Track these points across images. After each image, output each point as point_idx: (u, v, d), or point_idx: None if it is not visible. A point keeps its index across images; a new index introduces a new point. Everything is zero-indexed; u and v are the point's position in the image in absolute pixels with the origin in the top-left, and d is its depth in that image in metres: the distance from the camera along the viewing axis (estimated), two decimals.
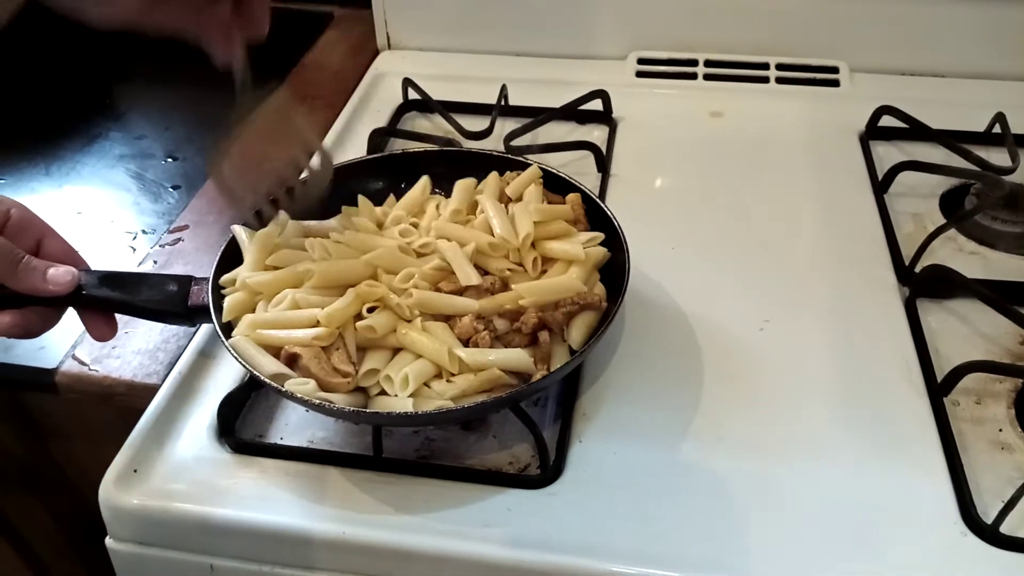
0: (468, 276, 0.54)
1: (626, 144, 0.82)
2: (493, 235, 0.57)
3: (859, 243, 0.69)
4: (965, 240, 0.71)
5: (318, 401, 0.48)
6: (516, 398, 0.51)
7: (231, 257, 0.58)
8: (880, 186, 0.75)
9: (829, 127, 0.83)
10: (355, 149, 0.81)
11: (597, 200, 0.62)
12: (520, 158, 0.66)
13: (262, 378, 0.49)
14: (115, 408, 0.61)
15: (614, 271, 0.58)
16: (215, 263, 0.56)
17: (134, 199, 0.78)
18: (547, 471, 0.52)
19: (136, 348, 0.63)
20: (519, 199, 0.61)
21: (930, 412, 0.55)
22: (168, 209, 0.77)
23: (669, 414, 0.56)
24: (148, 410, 0.57)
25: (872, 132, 0.81)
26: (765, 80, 0.88)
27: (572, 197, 0.62)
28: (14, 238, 0.51)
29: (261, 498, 0.52)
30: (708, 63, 0.90)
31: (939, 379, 0.57)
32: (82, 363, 0.62)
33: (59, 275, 0.51)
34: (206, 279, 0.55)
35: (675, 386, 0.58)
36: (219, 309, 0.54)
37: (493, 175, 0.64)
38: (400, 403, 0.50)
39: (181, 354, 0.61)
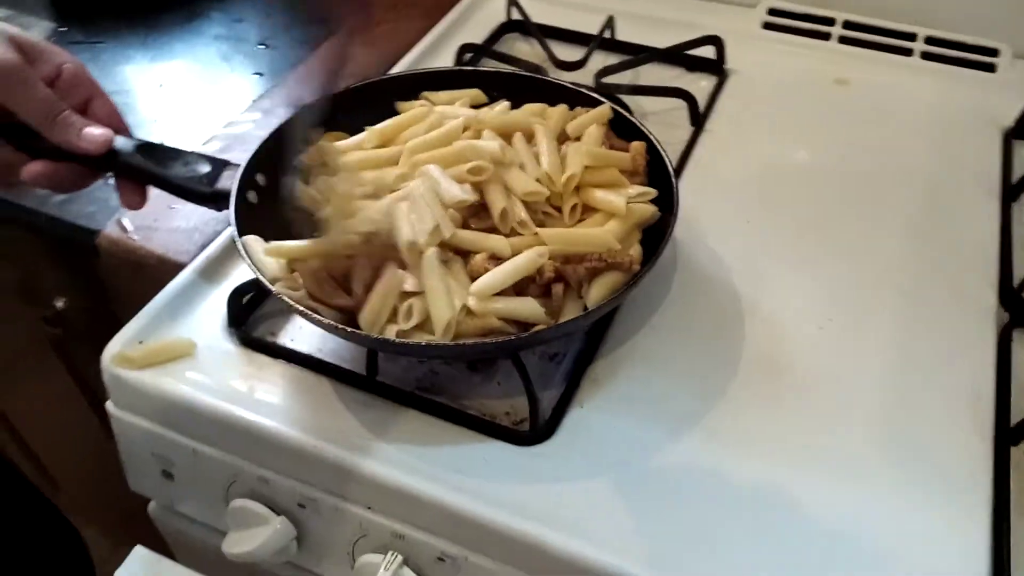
0: (451, 192, 0.50)
1: (732, 100, 0.74)
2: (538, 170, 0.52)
3: (966, 253, 0.60)
4: None
5: (302, 308, 0.46)
6: (507, 347, 0.47)
7: (271, 151, 0.56)
8: (1011, 192, 0.64)
9: (971, 117, 0.72)
10: (441, 62, 0.78)
11: (661, 150, 0.56)
12: (595, 95, 0.60)
13: (260, 276, 0.48)
14: (147, 279, 0.61)
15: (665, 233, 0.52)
16: (252, 152, 0.55)
17: (217, 80, 0.78)
18: (536, 430, 0.48)
19: (175, 225, 0.63)
20: (578, 138, 0.56)
21: (990, 458, 0.48)
22: (247, 94, 0.76)
23: (688, 398, 0.51)
24: (167, 287, 0.57)
25: (1021, 131, 0.70)
26: (908, 52, 0.77)
27: (636, 145, 0.56)
28: (64, 93, 0.51)
29: (251, 395, 0.52)
30: (847, 24, 0.80)
31: (1012, 423, 0.49)
32: (124, 229, 0.63)
33: (94, 135, 0.51)
34: (238, 165, 0.54)
35: (704, 369, 0.53)
36: (242, 198, 0.52)
37: (560, 107, 0.59)
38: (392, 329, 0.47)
39: (216, 237, 0.61)
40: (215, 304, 0.57)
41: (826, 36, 0.80)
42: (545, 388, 0.52)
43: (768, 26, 0.82)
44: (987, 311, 0.56)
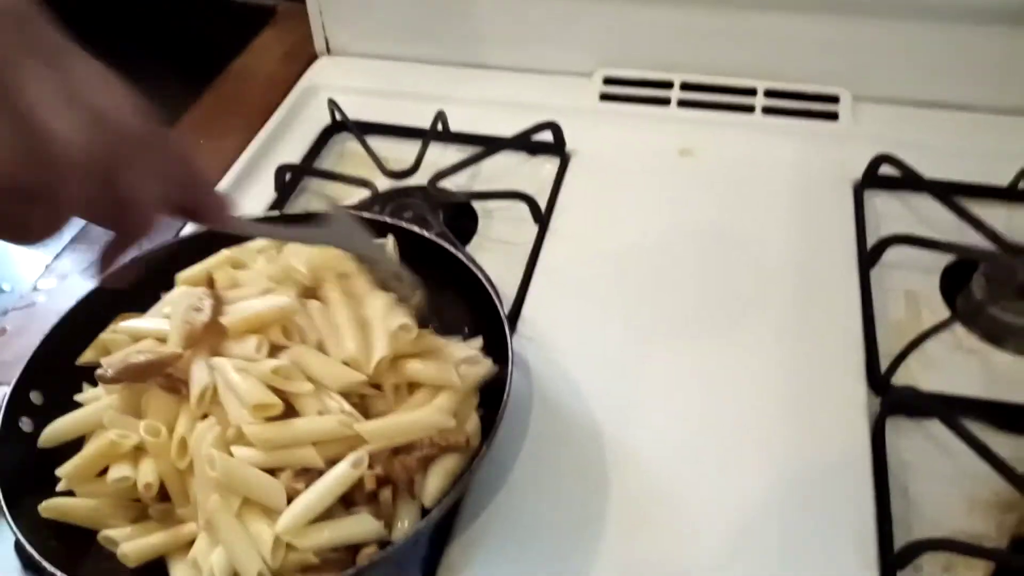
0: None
1: (576, 186, 0.70)
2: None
3: (833, 336, 0.57)
4: (965, 333, 0.58)
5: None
6: None
7: (49, 357, 0.49)
8: (867, 258, 0.62)
9: (820, 172, 0.69)
10: (260, 189, 0.71)
11: (494, 296, 0.50)
12: (403, 225, 0.55)
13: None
14: None
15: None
16: (21, 370, 0.47)
17: None
18: None
19: None
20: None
21: None
22: (42, 255, 0.67)
23: (559, 570, 0.46)
24: None
25: (870, 179, 0.68)
26: (750, 109, 0.75)
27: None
28: None
29: None
30: (685, 86, 0.77)
31: (896, 547, 0.45)
32: None
33: None
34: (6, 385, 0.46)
35: (572, 531, 0.47)
36: (12, 431, 0.45)
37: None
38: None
39: None
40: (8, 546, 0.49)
41: (666, 101, 0.76)
42: None
43: (606, 96, 0.78)
44: (858, 402, 0.53)
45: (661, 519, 0.48)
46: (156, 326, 0.48)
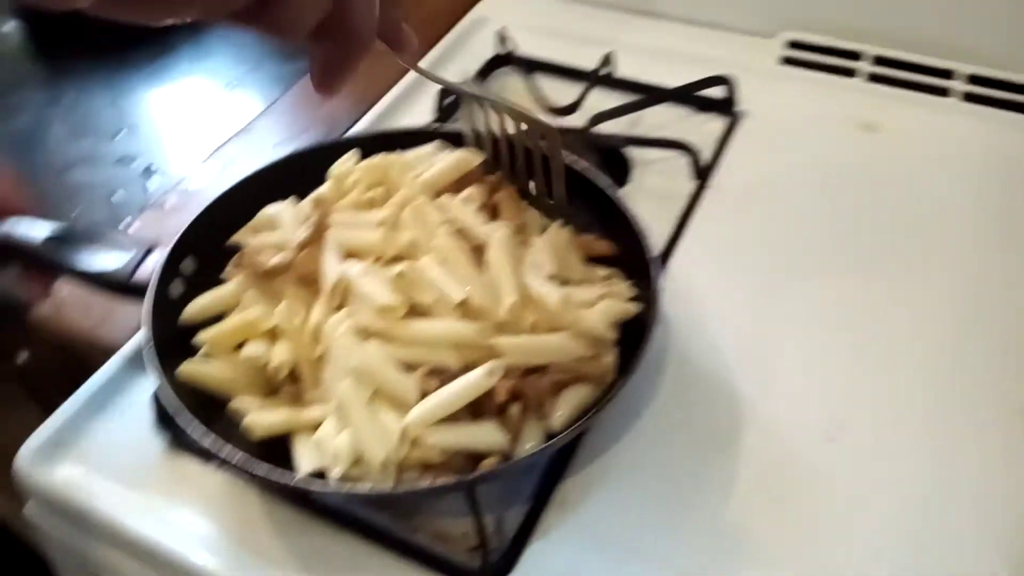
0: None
1: (744, 148, 0.66)
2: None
3: (1011, 348, 0.51)
4: None
5: (210, 441, 0.40)
6: (452, 488, 0.40)
7: (203, 230, 0.50)
8: None
9: (1021, 169, 0.63)
10: (420, 109, 0.70)
11: (643, 243, 0.48)
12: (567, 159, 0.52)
13: (170, 394, 0.42)
14: (79, 361, 0.55)
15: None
16: (176, 237, 0.48)
17: (180, 125, 0.72)
18: (486, 568, 0.41)
19: (109, 305, 0.56)
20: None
21: None
22: (210, 142, 0.70)
23: (673, 531, 0.43)
24: (90, 379, 0.51)
25: None
26: (945, 92, 0.69)
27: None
28: None
29: (171, 510, 0.46)
30: (877, 60, 0.71)
31: None
32: (57, 305, 0.57)
33: None
34: (164, 248, 0.47)
35: (693, 492, 0.45)
36: (162, 292, 0.46)
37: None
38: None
39: None
40: (144, 398, 0.50)
41: (852, 73, 0.71)
42: (507, 508, 0.44)
43: (787, 60, 0.73)
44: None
45: (794, 499, 0.44)
46: (286, 221, 0.48)
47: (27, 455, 0.48)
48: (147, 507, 0.46)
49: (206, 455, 0.48)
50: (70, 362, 0.65)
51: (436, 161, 0.50)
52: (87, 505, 0.46)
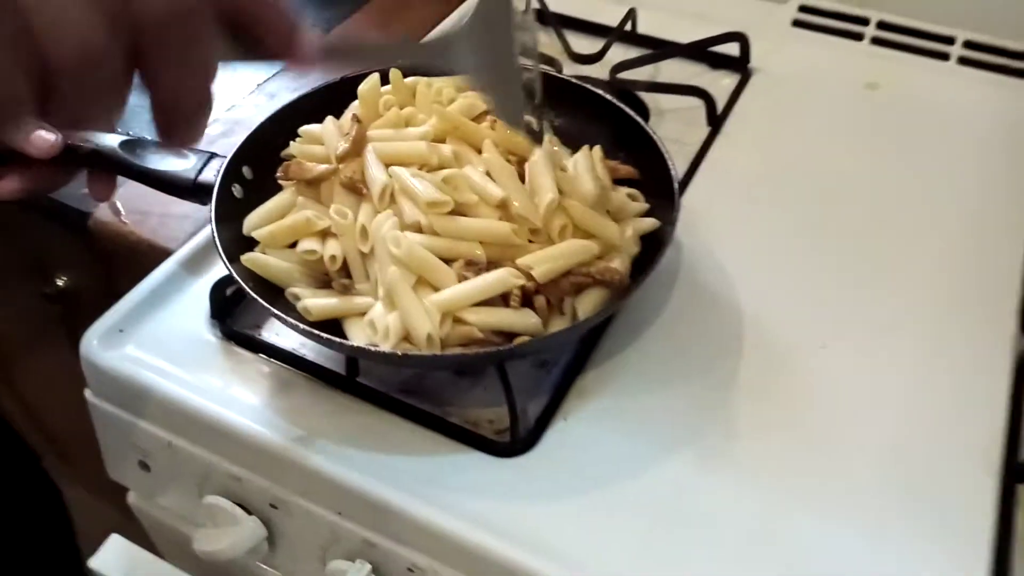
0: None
1: (755, 100, 0.71)
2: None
3: (992, 276, 0.56)
4: None
5: (275, 311, 0.45)
6: (489, 358, 0.45)
7: (259, 142, 0.54)
8: None
9: (1010, 130, 0.68)
10: None
11: (667, 159, 0.53)
12: (602, 94, 0.57)
13: (233, 273, 0.47)
14: (139, 264, 0.60)
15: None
16: (238, 144, 0.53)
17: None
18: (516, 442, 0.46)
19: (167, 211, 0.61)
20: None
21: (994, 498, 0.44)
22: (253, 76, 0.74)
23: (679, 419, 0.48)
24: (150, 276, 0.56)
25: None
26: (945, 56, 0.73)
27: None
28: None
29: (227, 391, 0.50)
30: (881, 24, 0.76)
31: (1022, 459, 0.46)
32: (117, 213, 0.62)
33: (40, 138, 0.47)
34: (224, 156, 0.52)
35: (699, 389, 0.50)
36: (226, 192, 0.51)
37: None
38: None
39: (205, 226, 0.59)
40: (200, 294, 0.55)
41: (859, 36, 0.76)
42: (531, 397, 0.49)
43: (798, 23, 0.78)
44: (1005, 337, 0.53)
45: (790, 390, 0.50)
46: (329, 135, 0.53)
47: (92, 338, 0.53)
48: (203, 387, 0.51)
49: (256, 347, 0.53)
50: (109, 284, 0.70)
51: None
52: (147, 382, 0.51)
